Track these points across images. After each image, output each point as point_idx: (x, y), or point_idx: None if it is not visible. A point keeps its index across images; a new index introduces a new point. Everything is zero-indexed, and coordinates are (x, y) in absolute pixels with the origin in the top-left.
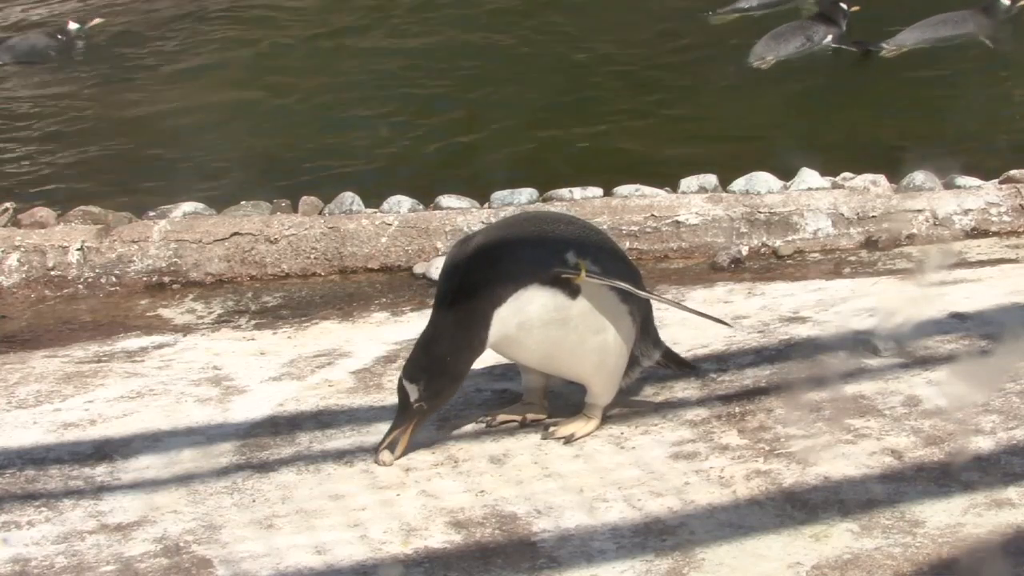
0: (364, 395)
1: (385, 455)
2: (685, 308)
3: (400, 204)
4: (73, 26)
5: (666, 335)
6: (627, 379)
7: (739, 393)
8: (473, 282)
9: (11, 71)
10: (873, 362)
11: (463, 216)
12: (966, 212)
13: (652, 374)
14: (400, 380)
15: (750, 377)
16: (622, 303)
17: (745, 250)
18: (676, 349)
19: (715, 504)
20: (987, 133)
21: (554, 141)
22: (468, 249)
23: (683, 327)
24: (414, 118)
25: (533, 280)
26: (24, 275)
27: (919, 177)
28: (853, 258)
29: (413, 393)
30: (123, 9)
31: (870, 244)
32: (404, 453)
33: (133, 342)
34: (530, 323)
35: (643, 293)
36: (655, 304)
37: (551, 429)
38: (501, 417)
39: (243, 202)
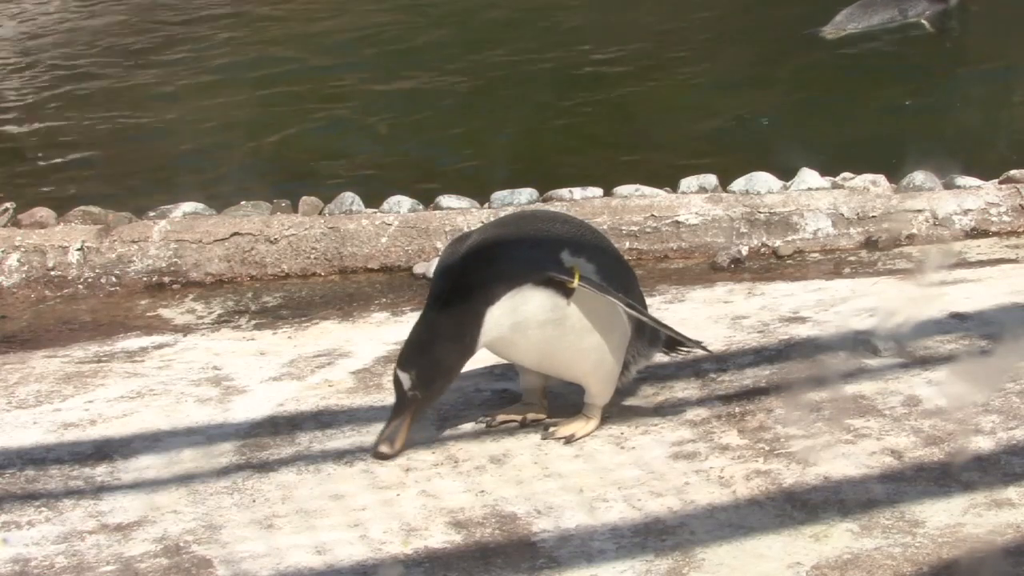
0: (364, 395)
1: (384, 447)
2: (668, 329)
3: (400, 204)
4: None
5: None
6: (622, 380)
7: (739, 393)
8: (467, 281)
9: (10, 71)
10: (873, 362)
11: (463, 216)
12: (966, 212)
13: (652, 374)
14: (395, 370)
15: (750, 377)
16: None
17: (745, 250)
18: None
19: (715, 504)
20: (987, 133)
21: (554, 141)
22: (463, 248)
23: (684, 327)
24: (414, 118)
25: (527, 280)
26: (24, 275)
27: (919, 177)
28: (853, 258)
29: (406, 382)
30: (123, 12)
31: (870, 244)
32: (403, 447)
33: (133, 342)
34: (525, 323)
35: (632, 311)
36: (653, 301)
37: (551, 429)
38: (501, 417)
39: (243, 202)
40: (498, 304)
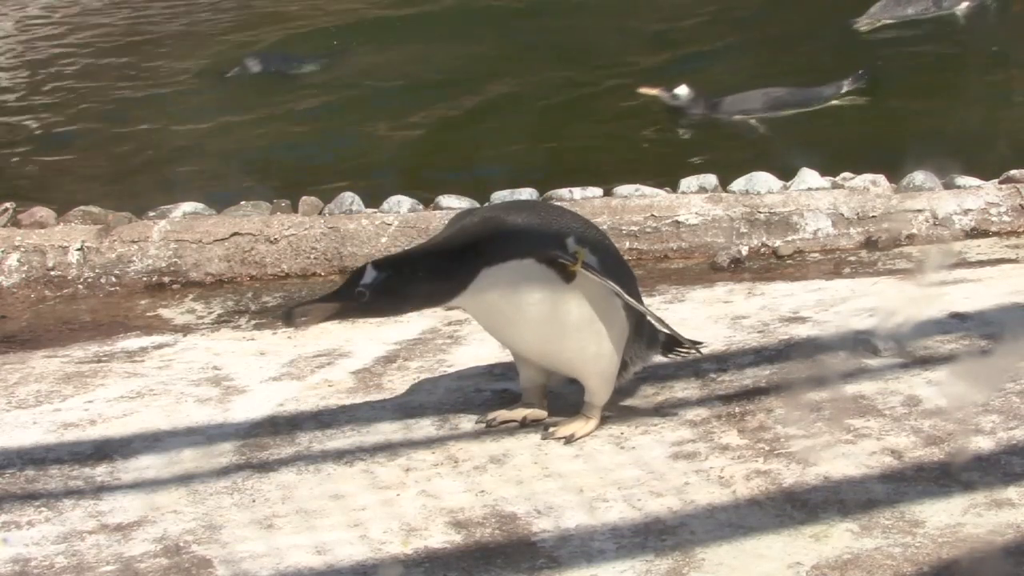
0: (364, 395)
1: (295, 316)
2: (665, 326)
3: (400, 204)
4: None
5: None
6: (620, 381)
7: (739, 393)
8: (472, 237)
9: (11, 71)
10: (873, 362)
11: None
12: (966, 212)
13: (652, 374)
14: (366, 264)
15: (750, 377)
16: (616, 297)
17: (745, 250)
18: None
19: (715, 504)
20: (987, 133)
21: (554, 141)
22: (475, 213)
23: (683, 327)
24: (414, 118)
25: (530, 256)
26: (24, 275)
27: (919, 177)
28: (853, 258)
29: (368, 277)
30: (124, 12)
31: (870, 244)
32: (308, 327)
33: (133, 342)
34: (520, 297)
35: (631, 300)
36: (653, 301)
37: (551, 429)
38: (501, 417)
39: (243, 202)
40: (496, 268)
